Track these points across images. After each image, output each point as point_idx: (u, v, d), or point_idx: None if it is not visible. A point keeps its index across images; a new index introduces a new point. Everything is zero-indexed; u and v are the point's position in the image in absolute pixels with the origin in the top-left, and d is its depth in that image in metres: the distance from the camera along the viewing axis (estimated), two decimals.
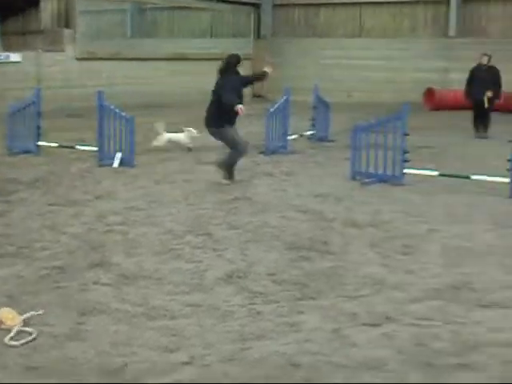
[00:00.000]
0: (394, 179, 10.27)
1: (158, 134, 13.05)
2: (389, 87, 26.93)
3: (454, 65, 25.60)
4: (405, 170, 10.25)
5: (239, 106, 9.54)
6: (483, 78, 16.19)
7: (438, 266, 6.36)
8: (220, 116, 9.86)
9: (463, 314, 5.16)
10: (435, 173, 10.20)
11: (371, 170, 10.46)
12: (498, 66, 16.55)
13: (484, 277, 6.04)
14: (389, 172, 10.32)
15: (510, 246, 7.07)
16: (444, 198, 9.39)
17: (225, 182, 10.11)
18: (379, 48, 27.85)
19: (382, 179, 10.34)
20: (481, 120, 16.36)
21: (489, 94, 16.06)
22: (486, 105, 16.11)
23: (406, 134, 10.20)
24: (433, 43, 27.33)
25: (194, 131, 12.94)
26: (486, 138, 15.91)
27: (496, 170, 9.97)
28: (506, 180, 9.48)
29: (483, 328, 4.90)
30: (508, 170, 9.42)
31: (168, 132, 13.18)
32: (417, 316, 5.12)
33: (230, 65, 10.06)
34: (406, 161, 10.22)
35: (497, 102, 16.62)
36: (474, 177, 10.03)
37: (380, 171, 10.38)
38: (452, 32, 27.12)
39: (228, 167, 10.16)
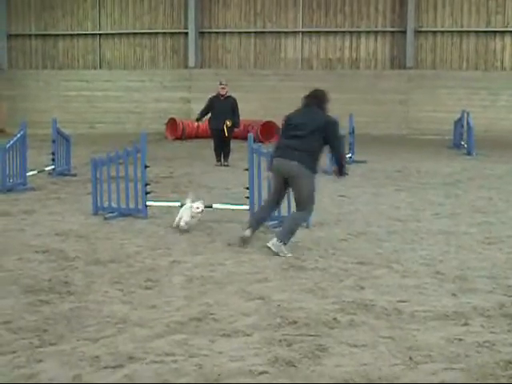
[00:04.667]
0: (137, 212, 10.20)
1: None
2: (131, 118, 27.05)
3: (194, 95, 26.29)
4: (147, 203, 10.23)
5: None
6: (222, 108, 16.74)
7: (181, 299, 6.35)
8: None
9: (206, 346, 5.16)
10: (178, 203, 10.29)
11: (114, 203, 10.31)
12: (235, 96, 17.22)
13: (225, 306, 6.13)
14: (132, 205, 10.24)
15: (249, 272, 7.27)
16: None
17: (289, 254, 8.01)
18: (120, 79, 27.90)
19: (126, 213, 10.23)
20: (221, 149, 16.88)
21: (228, 123, 16.63)
22: (226, 134, 16.66)
23: (147, 166, 10.20)
24: (174, 74, 27.90)
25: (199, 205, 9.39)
26: (226, 166, 16.44)
27: (237, 197, 10.28)
28: (246, 207, 9.79)
29: (226, 358, 4.93)
30: (247, 197, 9.75)
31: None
32: (160, 352, 5.03)
33: None
34: (147, 193, 10.21)
35: (236, 130, 17.28)
36: (215, 205, 10.25)
37: (123, 205, 10.26)
38: (192, 63, 27.85)
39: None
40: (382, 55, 28.44)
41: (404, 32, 27.81)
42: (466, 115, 20.86)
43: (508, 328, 5.52)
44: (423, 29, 27.97)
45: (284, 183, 8.25)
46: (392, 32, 28.28)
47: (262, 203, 9.01)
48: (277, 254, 7.89)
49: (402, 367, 4.75)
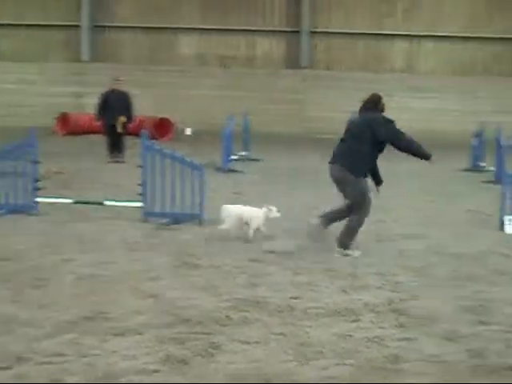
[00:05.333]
0: (27, 209, 9.91)
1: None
2: (22, 112, 26.28)
3: (87, 89, 25.76)
4: (37, 199, 9.95)
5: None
6: (116, 103, 16.49)
7: (72, 297, 6.21)
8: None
9: (98, 345, 5.07)
10: (69, 200, 10.06)
11: (2, 200, 9.97)
12: (130, 91, 17.01)
13: (117, 304, 6.03)
14: (21, 201, 9.93)
15: (141, 270, 7.18)
16: (79, 225, 9.28)
17: (356, 253, 8.07)
18: (13, 72, 27.06)
19: (15, 209, 9.91)
20: (115, 145, 16.63)
21: (122, 118, 16.40)
22: (120, 129, 16.42)
23: (37, 162, 9.92)
24: (66, 68, 27.26)
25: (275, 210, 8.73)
26: (120, 162, 16.20)
27: (129, 194, 10.14)
28: (138, 204, 9.68)
29: (118, 357, 4.85)
30: (140, 194, 9.63)
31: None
32: (50, 352, 4.90)
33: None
34: (37, 189, 9.93)
35: (130, 126, 17.06)
36: (107, 202, 10.08)
37: (12, 201, 9.94)
38: (85, 57, 27.31)
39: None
40: (277, 54, 28.72)
41: (299, 32, 28.18)
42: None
43: (396, 323, 5.67)
44: (318, 30, 28.41)
45: None
46: (287, 32, 28.60)
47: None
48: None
49: (294, 363, 4.80)
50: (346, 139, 8.27)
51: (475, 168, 16.67)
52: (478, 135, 17.07)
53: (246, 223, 8.63)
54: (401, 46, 29.04)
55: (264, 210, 8.61)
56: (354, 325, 5.62)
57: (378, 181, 8.50)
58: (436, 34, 28.91)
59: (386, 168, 16.52)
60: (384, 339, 5.29)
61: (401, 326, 5.62)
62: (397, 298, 6.38)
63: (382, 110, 8.41)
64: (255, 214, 8.64)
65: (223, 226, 8.68)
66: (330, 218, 8.38)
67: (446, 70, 29.09)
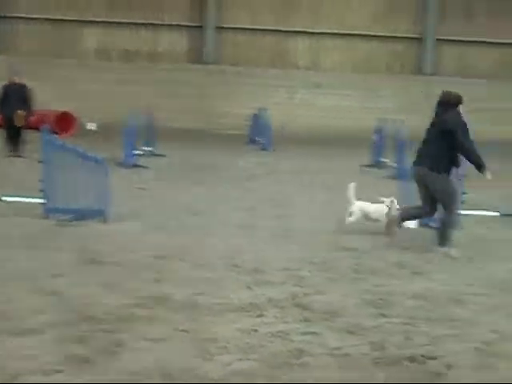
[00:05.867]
0: None
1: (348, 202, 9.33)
2: None
3: None
4: None
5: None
6: (15, 96, 16.06)
7: None
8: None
9: None
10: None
11: None
12: (30, 85, 16.58)
13: (17, 302, 5.86)
14: None
15: (42, 268, 6.98)
16: None
17: (455, 254, 8.16)
18: None
19: None
20: (13, 138, 16.18)
21: (20, 112, 15.97)
22: (18, 123, 15.99)
23: None
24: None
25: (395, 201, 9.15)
26: (19, 156, 15.77)
27: (30, 190, 9.87)
28: (40, 200, 9.44)
29: (18, 357, 4.71)
30: (41, 190, 9.39)
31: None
32: None
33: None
34: None
35: (30, 119, 16.61)
36: (5, 198, 9.80)
37: None
38: None
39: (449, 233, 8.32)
40: (181, 49, 28.60)
41: (203, 27, 28.16)
42: (262, 111, 21.47)
43: (300, 318, 5.73)
44: (224, 25, 28.46)
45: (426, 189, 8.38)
46: (191, 27, 28.53)
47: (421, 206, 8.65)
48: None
49: (199, 359, 4.78)
50: (427, 140, 8.46)
51: (377, 164, 17.05)
52: (379, 132, 17.47)
53: (373, 219, 9.24)
54: (305, 43, 29.43)
55: (386, 205, 9.08)
56: (259, 320, 5.65)
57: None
58: (339, 31, 29.45)
59: (276, 164, 16.78)
60: (288, 334, 5.33)
61: (305, 320, 5.68)
62: (301, 292, 6.45)
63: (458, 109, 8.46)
64: (380, 210, 9.12)
65: (351, 219, 9.26)
66: (406, 217, 8.78)
67: (349, 68, 29.68)
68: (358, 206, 9.23)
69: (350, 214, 9.27)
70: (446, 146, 8.13)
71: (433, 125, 8.39)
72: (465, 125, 8.16)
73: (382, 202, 9.12)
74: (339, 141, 24.28)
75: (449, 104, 8.32)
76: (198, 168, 15.54)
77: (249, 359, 4.82)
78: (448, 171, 8.28)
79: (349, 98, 28.42)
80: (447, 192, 8.25)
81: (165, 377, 4.50)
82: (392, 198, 9.12)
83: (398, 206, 9.03)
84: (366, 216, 9.27)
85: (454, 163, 8.33)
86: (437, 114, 8.37)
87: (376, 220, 9.22)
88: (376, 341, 5.26)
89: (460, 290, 6.74)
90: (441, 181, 8.20)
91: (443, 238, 8.28)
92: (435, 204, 8.43)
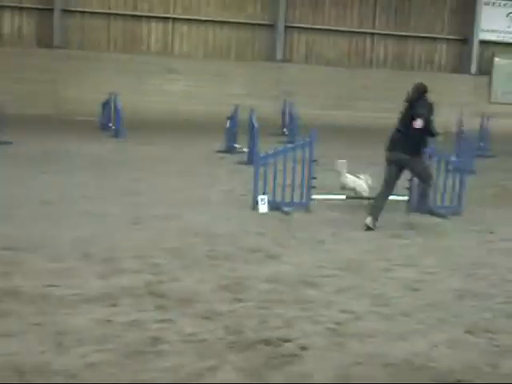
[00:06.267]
0: None
1: (340, 174, 10.85)
2: None
3: None
4: None
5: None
6: None
7: None
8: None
9: None
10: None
11: None
12: None
13: None
14: None
15: None
16: None
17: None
18: None
19: None
20: None
21: None
22: None
23: None
24: None
25: (369, 178, 11.01)
26: None
27: None
28: None
29: None
30: None
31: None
32: None
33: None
34: None
35: None
36: None
37: None
38: None
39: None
40: (28, 33, 27.61)
41: (52, 10, 27.31)
42: (114, 97, 21.10)
43: (154, 305, 5.70)
44: (72, 8, 27.74)
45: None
46: (39, 9, 27.60)
47: (379, 193, 9.54)
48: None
49: (52, 353, 4.66)
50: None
51: (230, 149, 17.19)
52: (232, 118, 17.61)
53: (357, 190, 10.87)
54: (157, 27, 29.19)
55: (363, 178, 10.93)
56: (113, 310, 5.57)
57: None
58: (191, 17, 29.42)
59: (128, 151, 16.61)
60: (143, 322, 5.29)
61: (159, 308, 5.66)
62: (155, 280, 6.41)
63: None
64: (359, 182, 10.88)
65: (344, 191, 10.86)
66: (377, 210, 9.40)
67: (201, 53, 29.74)
68: (351, 179, 10.87)
69: (344, 187, 10.82)
70: (418, 131, 9.07)
71: (405, 112, 9.27)
72: (432, 110, 9.25)
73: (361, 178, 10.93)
74: (193, 127, 24.29)
75: (419, 93, 9.26)
76: (46, 156, 15.05)
77: (104, 350, 4.75)
78: (421, 152, 9.42)
79: (202, 84, 28.46)
80: (424, 169, 9.52)
81: (16, 373, 4.35)
82: (367, 175, 10.96)
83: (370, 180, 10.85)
84: (353, 188, 10.87)
85: (425, 144, 9.48)
86: (411, 103, 9.23)
87: (358, 191, 10.85)
88: (231, 325, 5.32)
89: (312, 273, 6.94)
90: (417, 162, 9.33)
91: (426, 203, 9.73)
92: (396, 183, 9.54)
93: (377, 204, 9.37)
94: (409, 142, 9.12)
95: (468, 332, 5.47)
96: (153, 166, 14.05)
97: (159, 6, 28.94)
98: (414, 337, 5.31)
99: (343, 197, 10.75)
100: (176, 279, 6.49)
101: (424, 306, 6.07)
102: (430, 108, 9.18)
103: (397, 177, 9.42)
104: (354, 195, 10.84)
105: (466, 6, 32.16)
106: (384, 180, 9.43)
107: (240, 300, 5.97)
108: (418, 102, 9.14)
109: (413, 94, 9.24)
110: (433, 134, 9.26)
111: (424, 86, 9.34)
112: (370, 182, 10.89)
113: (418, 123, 8.94)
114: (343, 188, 10.81)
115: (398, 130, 9.31)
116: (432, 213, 9.84)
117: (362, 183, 10.87)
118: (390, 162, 9.34)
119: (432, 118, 9.20)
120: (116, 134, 19.78)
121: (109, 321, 5.31)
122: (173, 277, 6.55)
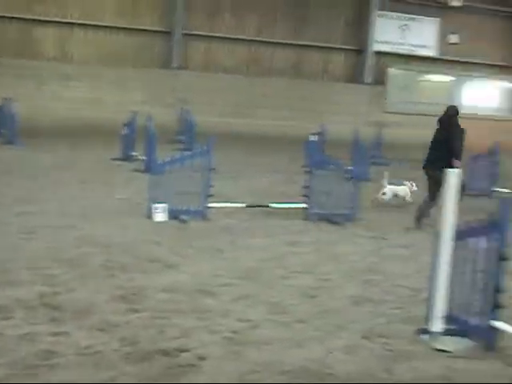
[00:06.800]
0: None
1: (382, 186, 12.47)
2: None
3: None
4: None
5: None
6: None
7: None
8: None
9: None
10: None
11: None
12: None
13: None
14: None
15: None
16: None
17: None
18: None
19: None
20: None
21: None
22: None
23: None
24: None
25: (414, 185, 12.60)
26: None
27: None
28: None
29: None
30: None
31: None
32: None
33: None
34: None
35: None
36: None
37: None
38: None
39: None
40: None
41: None
42: (7, 103, 20.50)
43: (49, 318, 5.56)
44: None
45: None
46: None
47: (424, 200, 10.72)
48: None
49: None
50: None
51: (126, 157, 16.98)
52: (129, 124, 17.42)
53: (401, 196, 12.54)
54: (54, 33, 28.63)
55: (408, 186, 12.57)
56: (5, 322, 5.40)
57: None
58: (87, 22, 29.02)
59: (24, 159, 16.19)
60: (36, 335, 5.16)
61: (53, 320, 5.52)
62: (50, 291, 6.26)
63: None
64: (400, 190, 12.54)
65: (384, 198, 12.42)
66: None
67: (98, 60, 29.35)
68: (390, 189, 12.40)
69: (384, 194, 12.35)
70: (446, 149, 10.23)
71: (439, 132, 10.51)
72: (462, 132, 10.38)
73: (405, 185, 12.57)
74: (90, 134, 23.89)
75: (451, 116, 10.51)
76: None
77: None
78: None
79: (98, 90, 28.08)
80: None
81: None
82: (412, 182, 12.54)
83: (415, 187, 12.45)
84: (395, 195, 12.49)
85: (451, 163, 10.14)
86: (442, 125, 10.55)
87: (403, 198, 12.46)
88: (127, 336, 5.25)
89: (210, 281, 6.93)
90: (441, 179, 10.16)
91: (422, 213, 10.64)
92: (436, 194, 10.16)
93: (423, 208, 10.63)
94: (439, 160, 10.12)
95: (364, 337, 5.60)
96: (48, 174, 13.73)
97: (54, 10, 28.38)
98: (310, 343, 5.38)
99: (242, 205, 10.80)
100: (71, 290, 6.35)
101: (321, 313, 6.17)
102: (461, 134, 10.35)
103: (436, 188, 9.97)
104: (403, 201, 12.39)
105: (361, 17, 33.02)
106: (427, 190, 10.67)
107: (136, 310, 5.90)
108: (451, 127, 10.38)
109: (445, 116, 10.54)
110: (456, 156, 10.23)
111: (455, 108, 10.71)
112: (414, 187, 12.48)
113: (457, 164, 9.89)
114: (388, 198, 12.34)
115: (432, 149, 10.56)
116: (330, 221, 10.18)
117: (405, 188, 12.54)
118: (427, 176, 10.61)
119: (463, 143, 10.36)
120: (10, 141, 19.20)
121: (1, 334, 5.15)
122: (68, 288, 6.41)
